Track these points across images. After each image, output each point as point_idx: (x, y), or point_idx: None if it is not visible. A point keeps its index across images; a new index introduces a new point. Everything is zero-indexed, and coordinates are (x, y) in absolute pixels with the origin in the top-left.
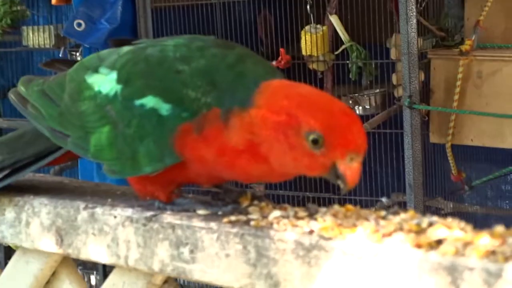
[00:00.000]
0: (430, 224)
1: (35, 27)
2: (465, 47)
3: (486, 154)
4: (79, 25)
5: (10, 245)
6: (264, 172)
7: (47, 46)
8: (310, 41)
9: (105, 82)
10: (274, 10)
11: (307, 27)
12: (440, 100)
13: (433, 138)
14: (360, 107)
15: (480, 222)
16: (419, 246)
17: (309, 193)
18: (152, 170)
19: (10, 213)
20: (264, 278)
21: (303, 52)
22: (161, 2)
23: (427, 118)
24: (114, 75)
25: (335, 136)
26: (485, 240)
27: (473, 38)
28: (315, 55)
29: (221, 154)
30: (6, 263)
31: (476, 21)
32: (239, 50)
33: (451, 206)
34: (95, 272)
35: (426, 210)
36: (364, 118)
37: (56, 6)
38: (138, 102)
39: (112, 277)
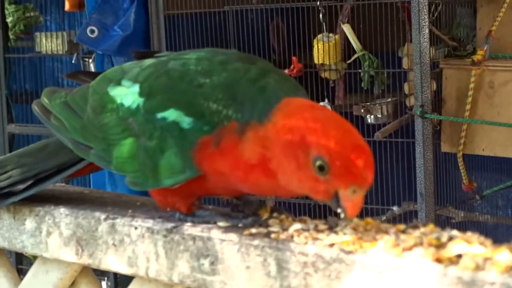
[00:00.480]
0: (450, 238)
1: (48, 33)
2: (477, 57)
3: (497, 164)
4: (92, 31)
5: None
6: (274, 188)
7: (60, 52)
8: (322, 49)
9: (127, 95)
10: (287, 18)
11: (319, 36)
12: (452, 109)
13: (445, 148)
14: (372, 116)
15: (490, 231)
16: (439, 260)
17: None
18: (173, 183)
19: (31, 223)
20: None
21: (315, 61)
22: (174, 9)
23: (438, 128)
24: (136, 88)
25: (340, 167)
26: (504, 255)
27: (485, 48)
28: (327, 63)
29: (235, 168)
30: (17, 269)
31: (488, 31)
32: (262, 65)
33: (462, 215)
34: (106, 278)
35: (437, 219)
36: (375, 127)
37: (69, 12)
38: (160, 115)
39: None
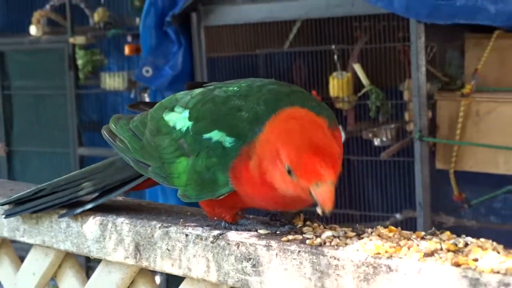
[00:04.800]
0: (466, 244)
1: (111, 73)
2: (465, 90)
3: (482, 179)
4: (147, 71)
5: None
6: (283, 199)
7: (121, 88)
8: (337, 85)
9: (179, 120)
10: (307, 60)
11: (334, 73)
12: (445, 133)
13: (439, 165)
14: (378, 139)
15: (475, 234)
16: (457, 264)
17: (338, 210)
18: (218, 195)
19: (96, 231)
20: None
21: (331, 94)
22: (214, 53)
23: (434, 149)
24: (186, 113)
25: (299, 169)
26: None
27: (472, 83)
28: (341, 96)
29: (251, 184)
30: (86, 267)
31: (475, 69)
32: (295, 88)
33: (453, 221)
34: (159, 274)
35: (432, 223)
36: (381, 148)
37: (128, 56)
38: (206, 136)
39: (183, 286)
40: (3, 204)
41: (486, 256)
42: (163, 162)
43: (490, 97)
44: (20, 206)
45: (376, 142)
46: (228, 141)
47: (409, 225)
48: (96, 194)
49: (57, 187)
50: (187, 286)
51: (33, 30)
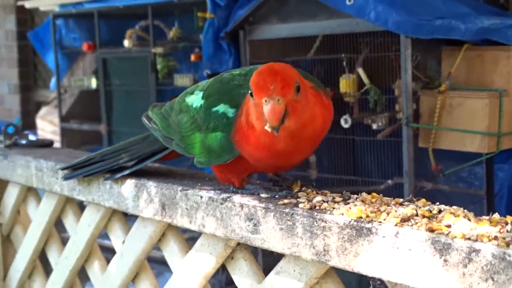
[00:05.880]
0: (439, 211)
1: (181, 74)
2: (441, 88)
3: (453, 154)
4: (207, 73)
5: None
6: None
7: (188, 85)
8: (345, 84)
9: (196, 100)
10: (324, 65)
11: (343, 75)
12: (426, 120)
13: (421, 144)
14: (376, 124)
15: (447, 195)
16: (431, 229)
17: (343, 176)
18: (224, 160)
19: (131, 192)
20: (308, 248)
21: (341, 90)
22: (256, 60)
23: (417, 132)
24: (201, 94)
25: (253, 87)
26: (486, 227)
27: (446, 83)
28: (348, 92)
29: (246, 141)
30: None
31: (449, 72)
32: None
33: (430, 185)
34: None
35: (415, 188)
36: (378, 131)
37: (194, 62)
38: (214, 109)
39: (200, 240)
40: (63, 169)
41: (458, 222)
42: (183, 136)
43: (460, 94)
44: (76, 171)
45: (374, 126)
46: (230, 112)
47: (398, 188)
48: (133, 162)
49: (104, 156)
50: (203, 240)
51: (126, 43)
